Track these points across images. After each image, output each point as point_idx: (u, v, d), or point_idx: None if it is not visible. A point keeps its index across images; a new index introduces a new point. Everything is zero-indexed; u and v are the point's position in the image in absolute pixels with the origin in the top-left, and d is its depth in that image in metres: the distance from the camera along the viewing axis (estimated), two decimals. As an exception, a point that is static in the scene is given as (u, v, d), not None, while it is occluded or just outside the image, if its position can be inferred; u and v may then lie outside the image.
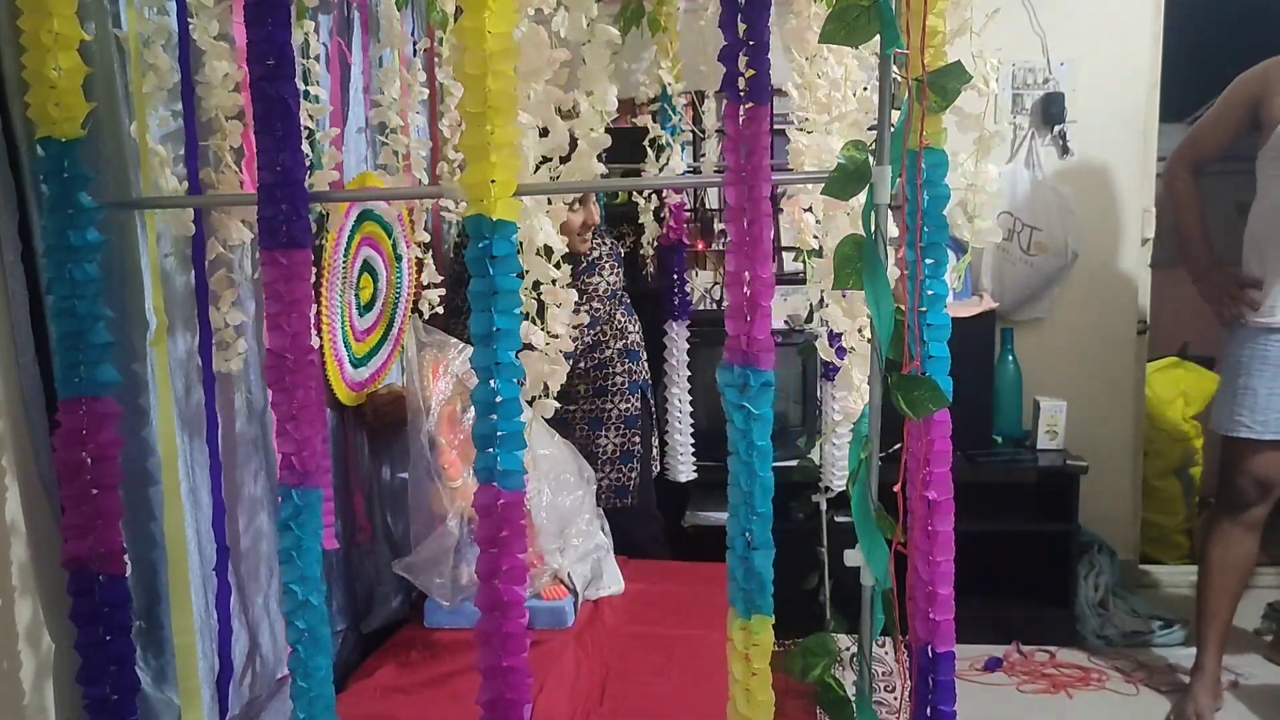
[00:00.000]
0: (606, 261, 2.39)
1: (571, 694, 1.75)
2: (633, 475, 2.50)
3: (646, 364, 2.58)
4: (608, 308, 2.40)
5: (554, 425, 2.47)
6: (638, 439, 2.50)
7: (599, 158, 1.43)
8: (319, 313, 1.78)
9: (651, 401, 2.62)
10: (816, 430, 2.58)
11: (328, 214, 1.81)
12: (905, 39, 0.98)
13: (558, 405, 1.45)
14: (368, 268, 2.00)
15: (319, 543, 1.13)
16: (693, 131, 2.80)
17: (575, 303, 1.43)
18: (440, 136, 2.29)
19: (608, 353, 2.45)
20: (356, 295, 1.95)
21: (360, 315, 1.99)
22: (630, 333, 2.49)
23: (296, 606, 1.11)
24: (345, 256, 1.87)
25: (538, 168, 1.36)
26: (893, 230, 1.02)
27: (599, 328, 2.42)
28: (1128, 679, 2.75)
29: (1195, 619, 2.62)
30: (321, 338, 1.80)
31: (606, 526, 2.61)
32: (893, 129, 1.02)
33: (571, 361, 2.39)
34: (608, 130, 1.41)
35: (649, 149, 2.47)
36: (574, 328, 1.46)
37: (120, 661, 1.18)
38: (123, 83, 1.30)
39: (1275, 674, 2.74)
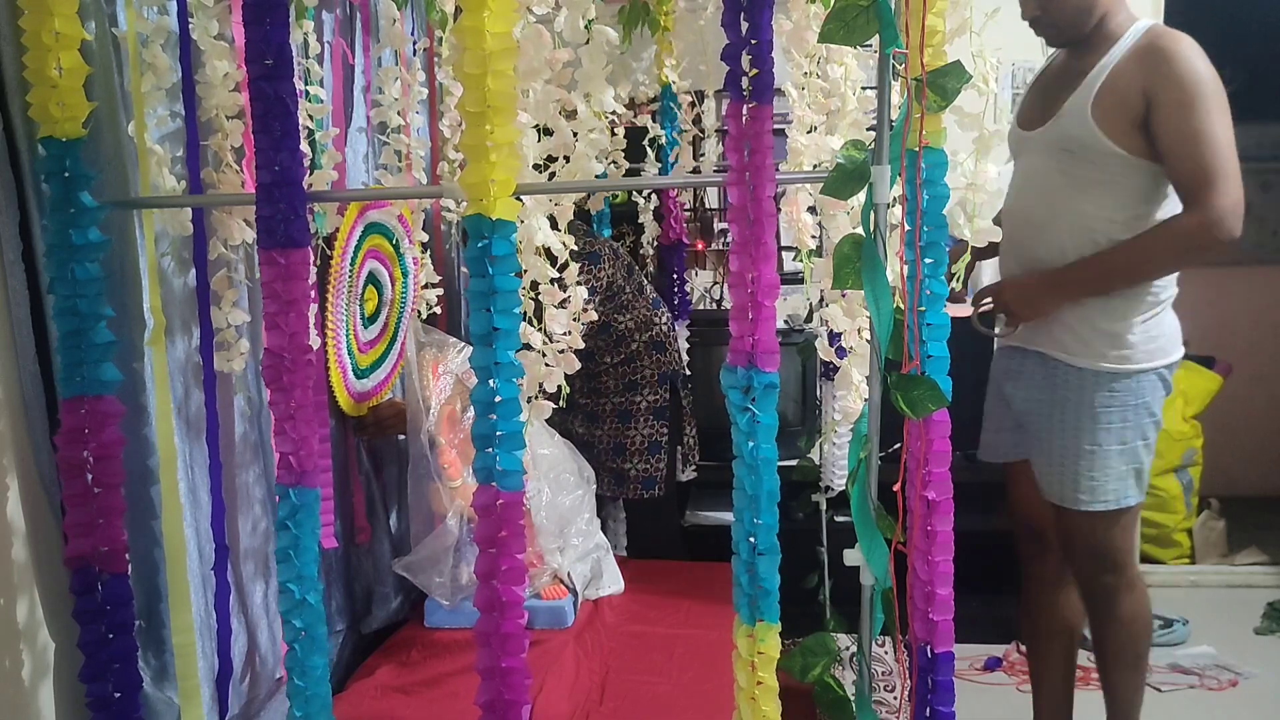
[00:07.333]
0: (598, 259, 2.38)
1: (571, 693, 1.75)
2: (660, 466, 2.50)
3: (677, 353, 2.57)
4: (611, 305, 2.40)
5: (586, 419, 2.49)
6: (666, 429, 2.50)
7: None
8: (325, 320, 1.79)
9: (682, 392, 2.61)
10: (816, 430, 2.58)
11: (336, 228, 1.81)
12: (904, 38, 0.98)
13: (555, 406, 1.46)
14: (373, 280, 2.01)
15: (316, 541, 1.13)
16: (693, 132, 2.80)
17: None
18: (440, 136, 2.30)
19: (635, 346, 2.45)
20: (361, 306, 1.96)
21: (364, 326, 1.99)
22: (656, 324, 2.49)
23: (293, 605, 1.11)
24: (351, 267, 1.88)
25: (549, 171, 1.36)
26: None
27: (616, 324, 2.42)
28: (1128, 679, 2.74)
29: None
30: (326, 345, 1.80)
31: (622, 524, 2.62)
32: (892, 128, 1.02)
33: (598, 357, 2.41)
34: (613, 130, 1.41)
35: (649, 149, 2.47)
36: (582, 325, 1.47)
37: (123, 659, 1.18)
38: (121, 82, 1.30)
39: (1276, 674, 2.73)
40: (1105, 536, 1.95)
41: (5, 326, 1.21)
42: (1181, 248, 1.88)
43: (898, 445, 1.06)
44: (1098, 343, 1.92)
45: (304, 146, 1.60)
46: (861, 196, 1.04)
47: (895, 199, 1.04)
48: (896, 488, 1.06)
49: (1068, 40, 1.96)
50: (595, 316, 2.27)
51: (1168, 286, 1.97)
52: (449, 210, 2.36)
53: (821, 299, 2.00)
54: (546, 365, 1.42)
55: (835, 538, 2.53)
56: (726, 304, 3.16)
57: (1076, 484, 1.93)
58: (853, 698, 1.12)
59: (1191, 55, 1.82)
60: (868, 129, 1.56)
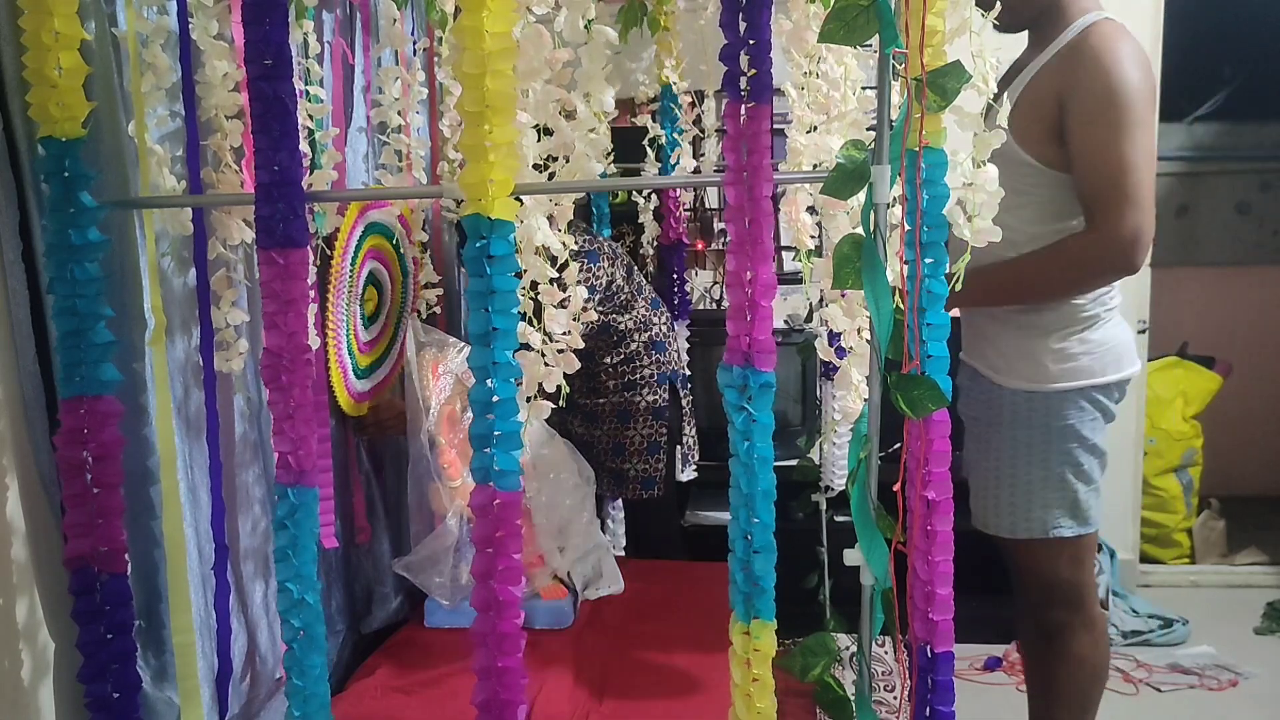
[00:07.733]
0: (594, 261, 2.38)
1: (571, 694, 1.75)
2: (660, 466, 2.50)
3: (678, 353, 2.56)
4: (610, 305, 2.40)
5: (585, 419, 2.48)
6: (665, 429, 2.50)
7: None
8: (325, 320, 1.79)
9: (681, 392, 2.60)
10: (816, 430, 2.58)
11: (336, 228, 1.81)
12: (904, 38, 0.98)
13: (554, 405, 1.46)
14: (373, 280, 2.01)
15: (314, 541, 1.13)
16: (693, 132, 2.80)
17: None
18: (440, 136, 2.30)
19: (634, 346, 2.45)
20: (361, 306, 1.96)
21: (365, 326, 1.99)
22: (655, 324, 2.49)
23: (291, 605, 1.11)
24: (351, 267, 1.88)
25: (549, 172, 1.36)
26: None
27: (615, 325, 2.42)
28: (1127, 679, 2.74)
29: None
30: (327, 345, 1.80)
31: (620, 524, 2.62)
32: (892, 128, 1.02)
33: (597, 357, 2.41)
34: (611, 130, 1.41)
35: (649, 149, 2.48)
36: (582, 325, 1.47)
37: (122, 660, 1.18)
38: (121, 82, 1.30)
39: (1276, 674, 2.73)
40: (1050, 567, 1.81)
41: (5, 326, 1.21)
42: (1076, 272, 1.70)
43: (898, 445, 1.06)
44: (1017, 359, 1.77)
45: (304, 146, 1.60)
46: (861, 196, 1.04)
47: (895, 199, 1.04)
48: (896, 488, 1.06)
49: (1015, 24, 1.73)
50: (595, 316, 2.27)
51: (1092, 303, 1.75)
52: (449, 210, 2.36)
53: (821, 299, 2.00)
54: (545, 365, 1.42)
55: (835, 538, 2.53)
56: (726, 304, 3.16)
57: (997, 509, 1.81)
58: (853, 698, 1.12)
59: (1120, 59, 1.59)
60: (868, 129, 1.56)
